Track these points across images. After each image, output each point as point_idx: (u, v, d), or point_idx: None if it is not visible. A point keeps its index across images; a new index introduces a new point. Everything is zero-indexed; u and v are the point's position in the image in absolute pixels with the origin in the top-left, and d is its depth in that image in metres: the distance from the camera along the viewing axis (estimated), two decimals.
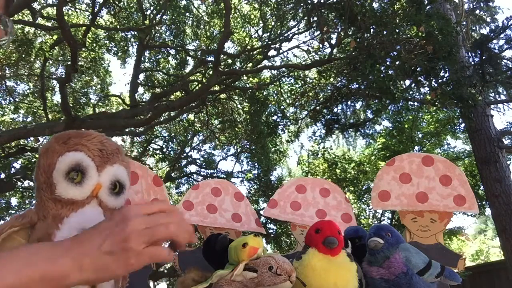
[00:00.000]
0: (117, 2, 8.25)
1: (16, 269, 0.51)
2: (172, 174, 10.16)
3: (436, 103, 6.99)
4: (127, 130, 8.26)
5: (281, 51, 8.86)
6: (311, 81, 9.16)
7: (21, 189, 8.81)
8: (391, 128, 9.77)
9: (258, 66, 8.44)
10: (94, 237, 0.55)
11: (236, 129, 10.28)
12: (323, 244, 1.53)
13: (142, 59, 8.60)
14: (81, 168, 1.19)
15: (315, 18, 7.09)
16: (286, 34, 8.52)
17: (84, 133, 1.30)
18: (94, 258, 0.53)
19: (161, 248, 0.57)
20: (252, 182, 10.77)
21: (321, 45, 8.05)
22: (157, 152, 10.30)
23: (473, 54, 7.72)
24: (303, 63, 9.00)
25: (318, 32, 7.52)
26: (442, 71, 6.65)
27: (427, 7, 6.48)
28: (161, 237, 0.57)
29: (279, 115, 9.67)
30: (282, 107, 9.64)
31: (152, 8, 8.81)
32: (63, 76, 6.87)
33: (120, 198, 1.32)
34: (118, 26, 8.61)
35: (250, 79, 9.95)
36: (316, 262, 1.52)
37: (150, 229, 0.56)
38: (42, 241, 1.15)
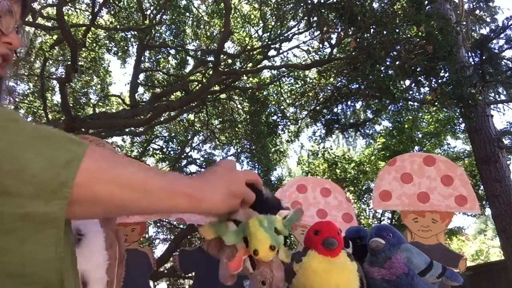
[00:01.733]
0: (117, 2, 8.24)
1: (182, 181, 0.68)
2: None
3: (436, 103, 6.99)
4: (127, 130, 8.26)
5: (281, 51, 8.86)
6: (311, 81, 9.16)
7: None
8: (391, 128, 9.78)
9: (258, 66, 8.43)
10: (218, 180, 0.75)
11: (236, 129, 10.28)
12: (323, 246, 1.53)
13: (142, 59, 8.60)
14: None
15: (315, 18, 7.09)
16: (286, 34, 8.52)
17: (80, 136, 1.34)
18: (218, 185, 0.73)
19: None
20: None
21: (321, 45, 8.05)
22: (157, 152, 10.30)
23: (473, 54, 7.73)
24: (303, 63, 9.00)
25: (318, 32, 7.52)
26: (442, 71, 6.65)
27: (427, 7, 6.48)
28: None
29: (279, 115, 9.67)
30: (282, 107, 9.64)
31: (152, 8, 8.80)
32: (63, 76, 6.86)
33: None
34: (118, 26, 8.61)
35: (250, 79, 9.94)
36: (317, 264, 1.52)
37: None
38: None
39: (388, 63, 6.80)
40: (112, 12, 8.64)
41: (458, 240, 13.62)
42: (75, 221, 1.33)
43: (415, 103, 8.32)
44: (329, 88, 8.48)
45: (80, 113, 8.86)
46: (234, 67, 8.97)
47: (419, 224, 1.96)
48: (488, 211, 8.91)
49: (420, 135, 10.01)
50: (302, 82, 9.30)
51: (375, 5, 6.87)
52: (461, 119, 8.44)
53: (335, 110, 8.57)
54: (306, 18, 7.64)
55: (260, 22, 9.23)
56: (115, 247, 1.48)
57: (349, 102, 8.59)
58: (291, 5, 8.09)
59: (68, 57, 7.88)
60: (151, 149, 10.47)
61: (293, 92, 9.32)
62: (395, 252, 1.63)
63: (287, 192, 2.73)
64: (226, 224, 0.92)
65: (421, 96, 7.98)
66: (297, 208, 1.03)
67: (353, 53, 6.63)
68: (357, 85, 7.61)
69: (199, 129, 10.67)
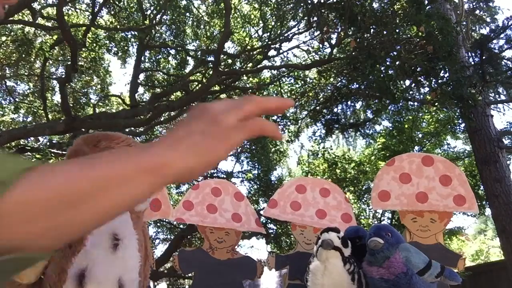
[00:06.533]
0: (117, 2, 8.25)
1: (109, 161, 0.45)
2: None
3: (436, 103, 6.99)
4: (127, 130, 8.27)
5: (281, 51, 8.88)
6: (311, 81, 9.16)
7: None
8: (391, 128, 9.77)
9: (258, 66, 8.44)
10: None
11: None
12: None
13: (142, 59, 8.60)
14: None
15: (315, 18, 7.09)
16: (286, 34, 8.52)
17: (113, 135, 1.29)
18: (188, 140, 0.48)
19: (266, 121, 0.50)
20: (252, 182, 10.77)
21: (321, 45, 8.06)
22: None
23: (473, 54, 7.72)
24: (303, 63, 9.00)
25: (318, 32, 7.52)
26: (442, 71, 6.65)
27: (427, 7, 6.48)
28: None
29: (279, 115, 9.67)
30: None
31: (152, 8, 8.82)
32: (63, 76, 6.87)
33: (146, 202, 1.35)
34: (118, 26, 8.61)
35: (250, 79, 9.95)
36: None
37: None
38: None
39: (388, 63, 6.80)
40: (112, 12, 8.65)
41: (458, 240, 13.61)
42: (112, 225, 1.31)
43: (415, 103, 8.31)
44: (329, 88, 8.48)
45: (80, 113, 8.86)
46: (234, 67, 8.98)
47: (418, 224, 1.96)
48: (488, 211, 8.91)
49: (420, 135, 10.01)
50: (302, 82, 9.31)
51: (375, 5, 6.88)
52: (461, 119, 8.44)
53: (335, 110, 8.57)
54: (306, 18, 7.64)
55: (260, 22, 9.23)
56: (144, 245, 1.47)
57: (349, 102, 8.59)
58: (291, 5, 8.10)
59: (68, 57, 7.89)
60: None
61: (293, 92, 9.32)
62: (393, 251, 1.63)
63: (286, 193, 2.74)
64: None
65: (421, 96, 7.98)
66: None
67: (353, 53, 6.63)
68: (357, 85, 7.61)
69: None
